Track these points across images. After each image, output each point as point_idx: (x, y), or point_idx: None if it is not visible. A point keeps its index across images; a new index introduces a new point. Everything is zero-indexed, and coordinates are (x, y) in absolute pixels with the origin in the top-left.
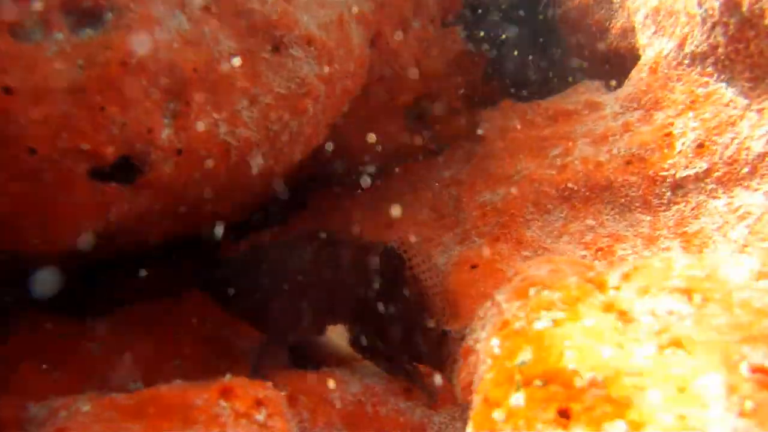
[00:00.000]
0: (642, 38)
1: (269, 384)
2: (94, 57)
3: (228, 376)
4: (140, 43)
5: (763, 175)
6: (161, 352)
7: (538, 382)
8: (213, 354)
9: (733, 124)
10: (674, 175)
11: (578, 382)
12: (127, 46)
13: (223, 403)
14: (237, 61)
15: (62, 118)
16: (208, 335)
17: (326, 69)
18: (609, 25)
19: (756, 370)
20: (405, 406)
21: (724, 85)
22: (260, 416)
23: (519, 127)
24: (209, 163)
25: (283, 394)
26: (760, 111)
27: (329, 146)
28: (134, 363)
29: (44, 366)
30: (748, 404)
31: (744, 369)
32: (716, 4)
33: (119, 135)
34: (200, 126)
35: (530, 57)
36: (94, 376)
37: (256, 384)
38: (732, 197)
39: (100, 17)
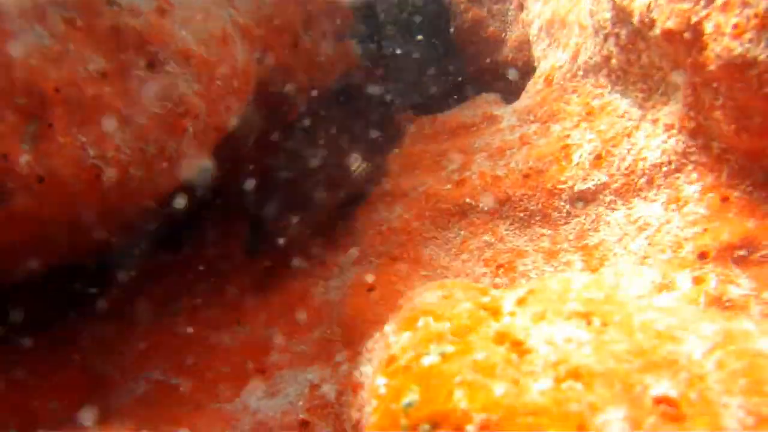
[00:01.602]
0: (537, 50)
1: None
2: None
3: (92, 425)
4: None
5: (660, 185)
6: (36, 391)
7: (425, 426)
8: (94, 391)
9: (628, 135)
10: (572, 187)
11: (469, 426)
12: None
13: None
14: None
15: None
16: (89, 370)
17: (207, 86)
18: (504, 37)
19: (660, 401)
20: None
21: (618, 95)
22: None
23: (416, 141)
24: (77, 190)
25: None
26: (654, 121)
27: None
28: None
29: None
30: None
31: (648, 401)
32: (608, 15)
33: None
34: (65, 150)
35: (427, 70)
36: None
37: None
38: (631, 209)
39: None
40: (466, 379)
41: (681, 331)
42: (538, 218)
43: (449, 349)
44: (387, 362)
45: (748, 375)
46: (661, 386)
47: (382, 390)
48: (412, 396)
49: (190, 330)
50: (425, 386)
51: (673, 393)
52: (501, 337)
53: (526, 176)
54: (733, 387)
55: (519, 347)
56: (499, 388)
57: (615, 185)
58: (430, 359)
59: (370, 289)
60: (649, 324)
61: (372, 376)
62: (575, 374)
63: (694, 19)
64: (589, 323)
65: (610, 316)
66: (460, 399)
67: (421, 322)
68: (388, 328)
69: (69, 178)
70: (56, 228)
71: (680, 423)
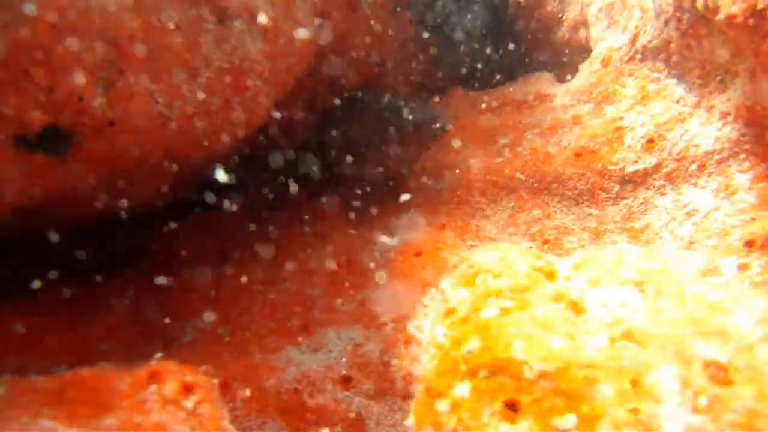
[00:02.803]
0: (594, 31)
1: (201, 368)
2: (21, 17)
3: (156, 359)
4: (72, 5)
5: (711, 173)
6: (87, 333)
7: (484, 373)
8: (142, 337)
9: (682, 120)
10: (623, 169)
11: (527, 373)
12: (57, 7)
13: (150, 388)
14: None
15: None
16: (139, 317)
17: (271, 44)
18: (562, 17)
19: (709, 364)
20: (343, 396)
21: (674, 81)
22: (189, 403)
23: (468, 115)
24: (144, 136)
25: (215, 381)
26: (709, 108)
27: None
28: (58, 345)
29: None
30: (702, 400)
31: (697, 364)
32: None
33: (45, 101)
34: (135, 97)
35: (482, 46)
36: (16, 357)
37: (186, 368)
38: (680, 194)
39: None
40: (525, 331)
41: (731, 304)
42: (586, 197)
43: (508, 303)
44: (445, 314)
45: None
46: (711, 351)
47: (442, 339)
48: (471, 344)
49: (240, 280)
50: (485, 336)
51: (722, 358)
52: (558, 297)
53: (578, 155)
54: None
55: (575, 307)
56: (556, 342)
57: (666, 170)
58: (489, 312)
59: (418, 254)
60: (701, 295)
61: (430, 327)
62: (629, 335)
63: (759, 5)
64: (642, 291)
65: (663, 285)
66: (518, 349)
67: (479, 279)
68: (444, 284)
69: (138, 124)
70: (121, 173)
71: (727, 386)
